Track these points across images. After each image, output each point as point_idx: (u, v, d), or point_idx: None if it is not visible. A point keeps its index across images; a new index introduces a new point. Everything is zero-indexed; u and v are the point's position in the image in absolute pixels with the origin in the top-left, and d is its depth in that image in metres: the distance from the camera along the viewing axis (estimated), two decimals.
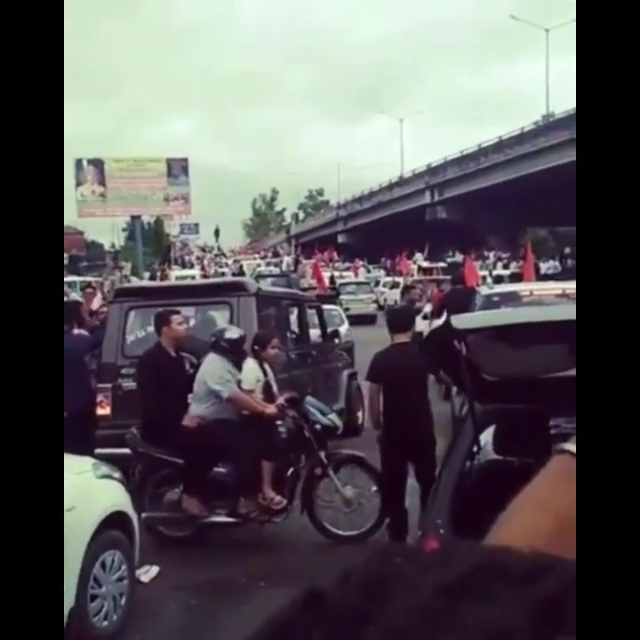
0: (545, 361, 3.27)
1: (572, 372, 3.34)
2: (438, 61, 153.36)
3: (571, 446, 0.71)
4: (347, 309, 18.39)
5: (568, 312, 2.84)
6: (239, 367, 6.27)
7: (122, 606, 4.61)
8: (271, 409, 6.12)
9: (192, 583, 5.39)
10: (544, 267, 31.04)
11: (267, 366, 6.50)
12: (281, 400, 6.19)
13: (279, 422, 6.22)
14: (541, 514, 0.68)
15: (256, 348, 6.42)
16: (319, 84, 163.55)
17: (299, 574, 5.48)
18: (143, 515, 5.72)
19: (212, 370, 6.16)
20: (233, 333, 6.35)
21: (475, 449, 3.61)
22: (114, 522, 4.63)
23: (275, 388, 6.49)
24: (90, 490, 4.41)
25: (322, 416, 6.23)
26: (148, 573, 5.39)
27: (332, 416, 6.45)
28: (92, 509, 4.35)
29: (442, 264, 33.38)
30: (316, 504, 6.10)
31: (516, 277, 16.81)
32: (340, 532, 6.10)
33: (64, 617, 3.84)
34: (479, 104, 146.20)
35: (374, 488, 6.11)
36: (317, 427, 6.09)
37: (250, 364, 6.35)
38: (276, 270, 38.73)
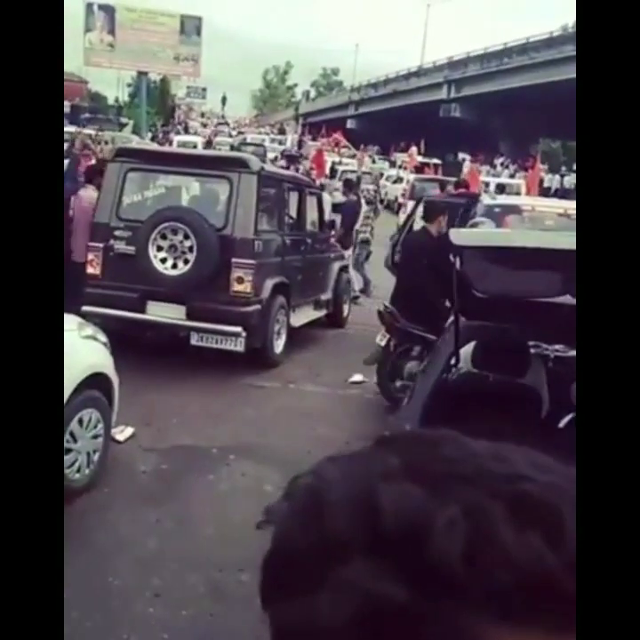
0: (536, 286, 3.29)
1: (560, 299, 3.37)
2: None
3: None
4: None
5: (567, 241, 2.83)
6: None
7: (94, 462, 4.78)
8: None
9: (164, 448, 5.60)
10: (547, 178, 30.48)
11: None
12: None
13: None
14: None
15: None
16: None
17: (270, 451, 5.70)
18: (398, 383, 6.47)
19: None
20: None
21: (453, 362, 3.67)
22: (94, 382, 4.74)
23: None
24: (73, 348, 4.45)
25: None
26: (122, 433, 5.57)
27: None
28: (72, 368, 4.42)
29: (436, 160, 32.41)
30: None
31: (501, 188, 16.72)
32: None
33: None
34: (511, 1, 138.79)
35: None
36: None
37: None
38: (279, 147, 37.85)
